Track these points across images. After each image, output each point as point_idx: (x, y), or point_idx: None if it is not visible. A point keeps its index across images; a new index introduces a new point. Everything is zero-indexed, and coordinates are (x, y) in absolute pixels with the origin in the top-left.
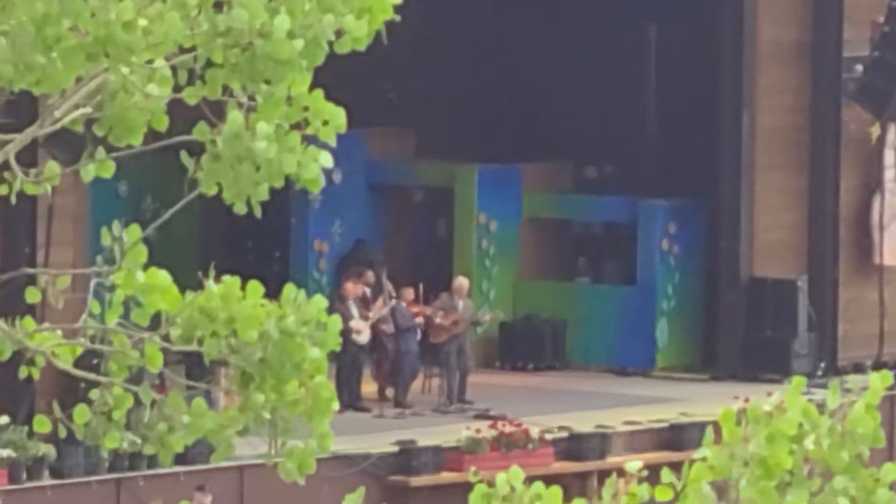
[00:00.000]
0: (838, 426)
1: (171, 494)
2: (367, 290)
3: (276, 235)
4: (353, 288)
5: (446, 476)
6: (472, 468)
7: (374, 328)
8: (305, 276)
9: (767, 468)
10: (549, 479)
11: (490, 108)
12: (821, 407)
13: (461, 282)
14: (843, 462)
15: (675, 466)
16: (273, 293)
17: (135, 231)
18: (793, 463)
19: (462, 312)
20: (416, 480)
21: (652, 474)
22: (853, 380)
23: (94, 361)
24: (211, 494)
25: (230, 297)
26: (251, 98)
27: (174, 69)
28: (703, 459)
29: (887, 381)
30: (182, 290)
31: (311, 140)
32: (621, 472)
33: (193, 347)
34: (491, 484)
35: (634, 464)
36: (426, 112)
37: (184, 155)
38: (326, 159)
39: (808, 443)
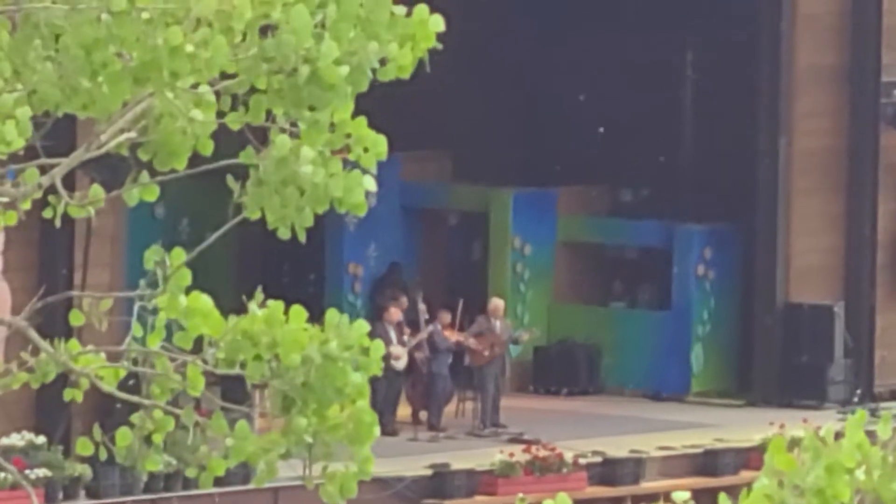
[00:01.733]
0: (890, 457)
1: None
2: (401, 315)
3: (310, 258)
4: (395, 312)
5: (479, 500)
6: (519, 494)
7: (409, 351)
8: (340, 299)
9: (825, 499)
10: None
11: (525, 131)
12: (867, 435)
13: (496, 303)
14: (894, 493)
15: (708, 492)
16: (308, 316)
17: (179, 255)
18: None
19: (499, 334)
20: None
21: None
22: (889, 406)
23: (131, 383)
24: None
25: (273, 321)
26: (293, 124)
27: (217, 94)
28: (752, 486)
29: None
30: (219, 312)
31: (349, 164)
32: (666, 499)
33: (236, 371)
34: None
35: (681, 494)
36: (462, 135)
37: (230, 179)
38: (371, 183)
39: (860, 473)
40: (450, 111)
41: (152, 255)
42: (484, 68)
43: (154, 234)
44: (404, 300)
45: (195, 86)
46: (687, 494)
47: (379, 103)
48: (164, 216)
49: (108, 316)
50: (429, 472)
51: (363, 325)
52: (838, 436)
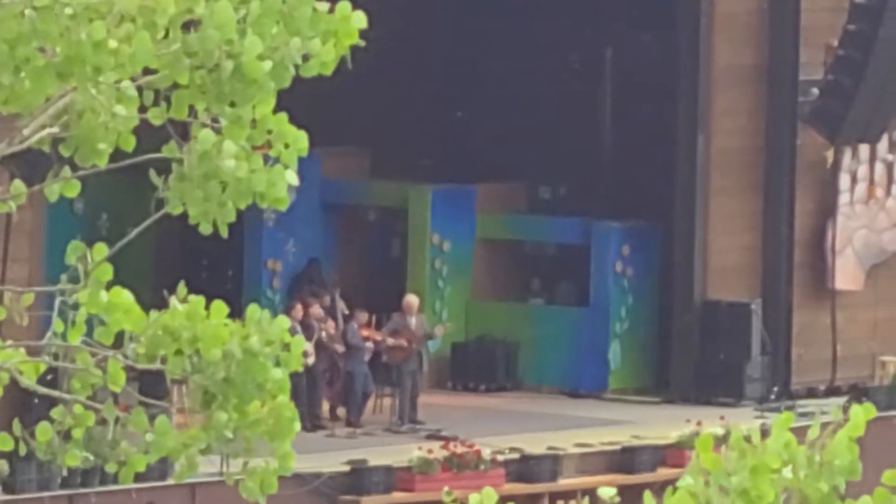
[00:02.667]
0: (816, 457)
1: None
2: (321, 311)
3: (229, 254)
4: (298, 310)
5: (397, 496)
6: (445, 488)
7: (326, 347)
8: (259, 295)
9: (749, 500)
10: (500, 501)
11: (445, 128)
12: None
13: (410, 300)
14: (819, 493)
15: (626, 489)
16: (227, 311)
17: (100, 250)
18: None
19: (415, 330)
20: (368, 500)
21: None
22: (805, 404)
23: (49, 378)
24: None
25: (194, 316)
26: (215, 120)
27: (140, 89)
28: (676, 484)
29: (870, 413)
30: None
31: (270, 160)
32: (591, 496)
33: (157, 366)
34: None
35: (607, 490)
36: (381, 132)
37: (152, 174)
38: (293, 178)
39: (787, 472)
40: (368, 107)
41: (74, 250)
42: (402, 65)
43: (73, 229)
44: (327, 298)
45: (118, 81)
46: (613, 491)
47: (298, 99)
48: (83, 211)
49: (29, 311)
50: (346, 468)
51: (284, 321)
52: (765, 435)
